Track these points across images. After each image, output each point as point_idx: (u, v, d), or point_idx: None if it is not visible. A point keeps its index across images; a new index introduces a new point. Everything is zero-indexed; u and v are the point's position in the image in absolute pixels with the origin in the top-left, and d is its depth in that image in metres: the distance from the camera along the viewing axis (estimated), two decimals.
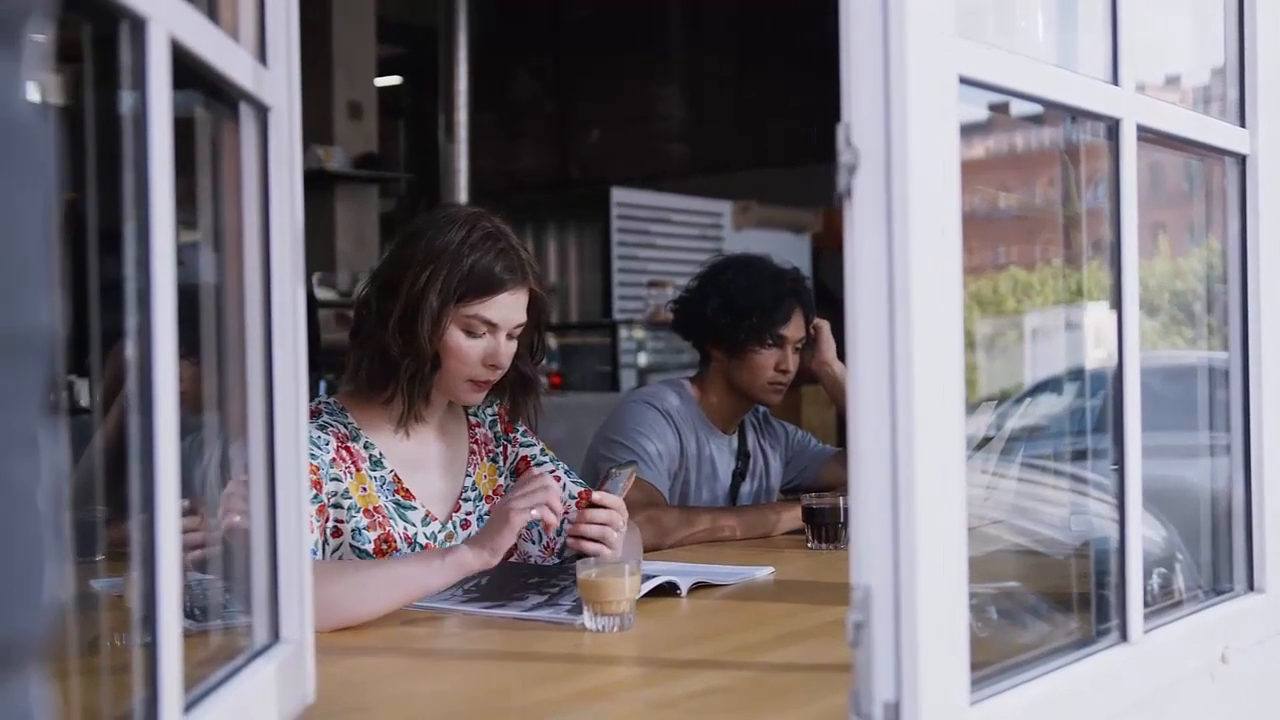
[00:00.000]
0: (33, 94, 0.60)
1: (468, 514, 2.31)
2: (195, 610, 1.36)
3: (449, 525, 2.27)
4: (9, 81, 0.57)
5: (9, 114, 0.57)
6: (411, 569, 1.97)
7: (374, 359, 2.19)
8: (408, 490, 2.23)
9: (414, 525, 2.21)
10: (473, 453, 2.36)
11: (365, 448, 2.21)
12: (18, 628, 0.57)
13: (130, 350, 1.01)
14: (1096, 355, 1.92)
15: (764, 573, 2.34)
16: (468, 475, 2.34)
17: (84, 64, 1.03)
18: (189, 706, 1.09)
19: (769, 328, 2.98)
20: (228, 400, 1.40)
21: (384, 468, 2.22)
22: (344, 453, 2.17)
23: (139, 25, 0.99)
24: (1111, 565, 1.54)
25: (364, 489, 2.17)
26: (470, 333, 2.18)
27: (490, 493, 2.35)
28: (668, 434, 2.97)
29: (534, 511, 1.96)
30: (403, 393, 2.20)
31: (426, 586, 1.96)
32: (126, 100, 1.02)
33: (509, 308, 2.20)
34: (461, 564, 1.96)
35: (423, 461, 2.28)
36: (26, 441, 0.57)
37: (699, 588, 2.17)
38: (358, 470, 2.18)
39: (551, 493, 1.99)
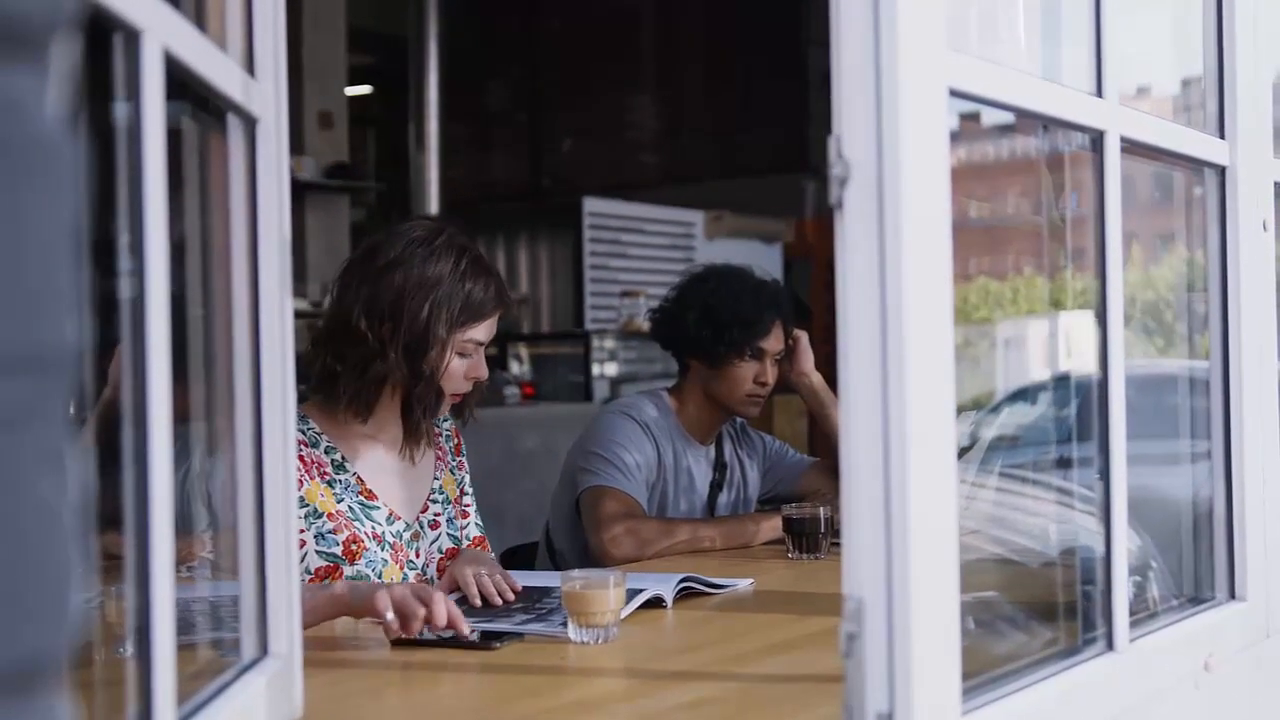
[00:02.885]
0: (58, 108, 0.59)
1: (436, 514, 2.39)
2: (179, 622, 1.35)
3: (415, 525, 2.34)
4: (34, 97, 0.57)
5: (35, 130, 0.57)
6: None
7: (374, 385, 2.24)
8: (371, 491, 2.29)
9: (379, 524, 2.27)
10: (439, 458, 2.44)
11: (327, 452, 2.27)
12: (46, 645, 0.57)
13: (124, 361, 1.00)
14: (1070, 364, 1.93)
15: (745, 584, 2.34)
16: (435, 478, 2.41)
17: (76, 73, 1.03)
18: None
19: (749, 341, 2.98)
20: (211, 413, 1.39)
21: (347, 471, 2.27)
22: (298, 461, 2.20)
23: (133, 37, 0.99)
24: (1096, 574, 1.54)
25: (322, 494, 2.22)
26: (462, 354, 2.28)
27: (453, 499, 2.45)
28: (645, 445, 2.96)
29: (394, 622, 1.81)
30: (421, 418, 2.28)
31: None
32: (119, 111, 1.01)
33: (493, 326, 2.33)
34: (334, 601, 1.93)
35: (389, 466, 2.34)
36: (53, 458, 0.57)
37: (685, 596, 2.18)
38: (312, 478, 2.23)
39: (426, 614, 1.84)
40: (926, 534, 1.16)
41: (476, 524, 2.51)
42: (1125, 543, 1.53)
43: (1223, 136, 1.83)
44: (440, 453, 2.45)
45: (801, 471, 3.24)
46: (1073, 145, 1.65)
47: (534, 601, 2.12)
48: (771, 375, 3.03)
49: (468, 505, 2.50)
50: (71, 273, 0.59)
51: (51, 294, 0.57)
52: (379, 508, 2.28)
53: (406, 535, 2.32)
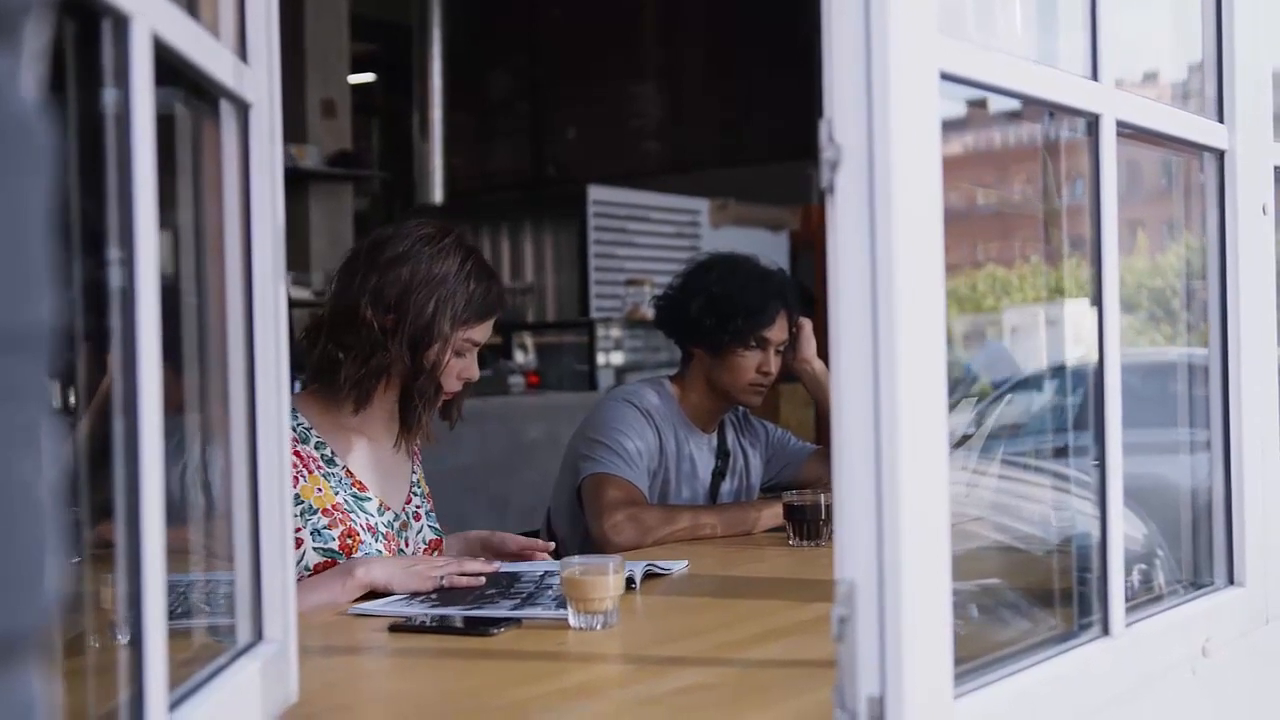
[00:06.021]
0: (32, 89, 0.60)
1: (417, 507, 2.44)
2: (175, 609, 1.35)
3: (403, 515, 2.39)
4: (8, 78, 0.57)
5: (9, 110, 0.57)
6: (319, 596, 2.07)
7: (375, 375, 2.27)
8: (361, 483, 2.32)
9: (372, 515, 2.31)
10: (415, 455, 2.48)
11: (316, 448, 2.30)
12: (21, 621, 0.57)
13: (114, 351, 1.00)
14: (1075, 352, 1.93)
15: (681, 565, 2.38)
16: (414, 472, 2.47)
17: (64, 60, 1.03)
18: (174, 705, 1.09)
19: (753, 330, 2.98)
20: (207, 402, 1.39)
21: (337, 465, 2.30)
22: (294, 457, 2.22)
23: (122, 22, 0.99)
24: (1093, 559, 1.54)
25: (319, 489, 2.26)
26: (459, 353, 2.32)
27: (427, 493, 2.50)
28: (647, 432, 2.96)
29: (444, 581, 2.12)
30: (416, 412, 2.31)
31: (334, 605, 2.07)
32: (108, 97, 1.01)
33: (490, 329, 2.37)
34: (363, 583, 2.10)
35: (373, 459, 2.37)
36: (30, 436, 0.58)
37: (649, 577, 2.23)
38: (310, 473, 2.25)
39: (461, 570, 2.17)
40: (917, 517, 1.16)
41: (432, 527, 2.52)
42: (1121, 528, 1.53)
43: (1221, 120, 1.83)
44: (416, 448, 2.49)
45: (804, 459, 3.25)
46: (1078, 131, 1.65)
47: (508, 587, 2.12)
48: (775, 365, 3.02)
49: (418, 510, 2.52)
50: (46, 253, 0.59)
51: (26, 274, 0.58)
52: (370, 499, 2.32)
53: (396, 525, 2.36)
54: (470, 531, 2.55)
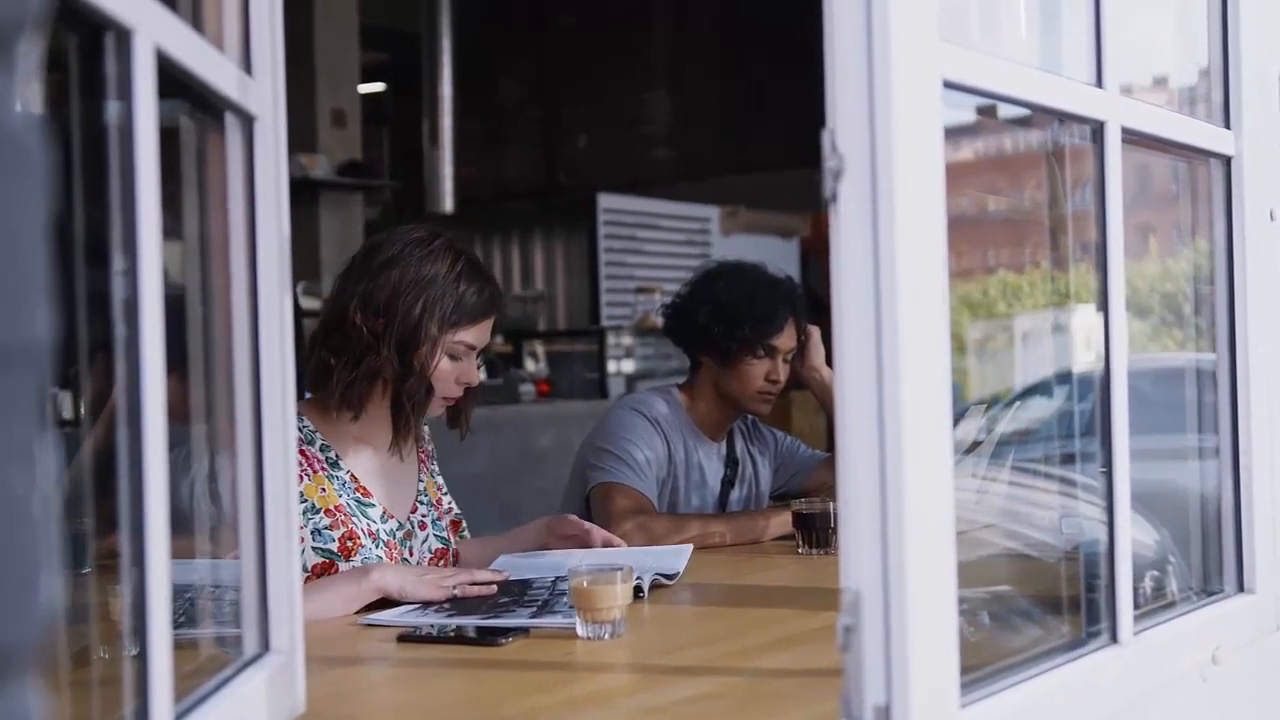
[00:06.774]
0: (27, 105, 0.60)
1: (423, 516, 2.44)
2: (181, 619, 1.35)
3: (407, 524, 2.39)
4: (3, 94, 0.58)
5: (3, 126, 0.57)
6: (328, 600, 2.05)
7: (366, 379, 2.28)
8: (365, 489, 2.33)
9: (374, 522, 2.31)
10: (421, 462, 2.48)
11: (322, 450, 2.30)
12: (16, 635, 0.57)
13: (118, 362, 1.01)
14: (1086, 358, 1.92)
15: (685, 549, 2.42)
16: (420, 481, 2.46)
17: (68, 73, 1.03)
18: (179, 716, 1.09)
19: (761, 339, 2.97)
20: (215, 413, 1.39)
21: (342, 469, 2.31)
22: (298, 456, 2.23)
23: (125, 36, 0.99)
24: (1101, 567, 1.54)
25: (323, 490, 2.26)
26: (453, 356, 2.31)
27: (435, 501, 2.48)
28: (656, 441, 2.96)
29: (456, 591, 2.11)
30: (407, 416, 2.31)
31: (346, 612, 2.07)
32: (111, 110, 1.02)
33: (487, 332, 2.36)
34: (377, 588, 2.08)
35: (378, 466, 2.37)
36: (24, 451, 0.58)
37: (655, 587, 2.21)
38: (315, 473, 2.27)
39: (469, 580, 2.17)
40: (922, 525, 1.16)
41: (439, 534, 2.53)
42: (1129, 535, 1.52)
43: (1228, 126, 1.82)
44: (424, 456, 2.49)
45: (814, 466, 3.24)
46: (1086, 137, 1.65)
47: (520, 595, 2.12)
48: (783, 373, 3.02)
49: (446, 499, 2.53)
50: (43, 269, 0.60)
51: (21, 288, 0.58)
52: (374, 505, 2.33)
53: (399, 534, 2.36)
54: (533, 524, 2.56)
